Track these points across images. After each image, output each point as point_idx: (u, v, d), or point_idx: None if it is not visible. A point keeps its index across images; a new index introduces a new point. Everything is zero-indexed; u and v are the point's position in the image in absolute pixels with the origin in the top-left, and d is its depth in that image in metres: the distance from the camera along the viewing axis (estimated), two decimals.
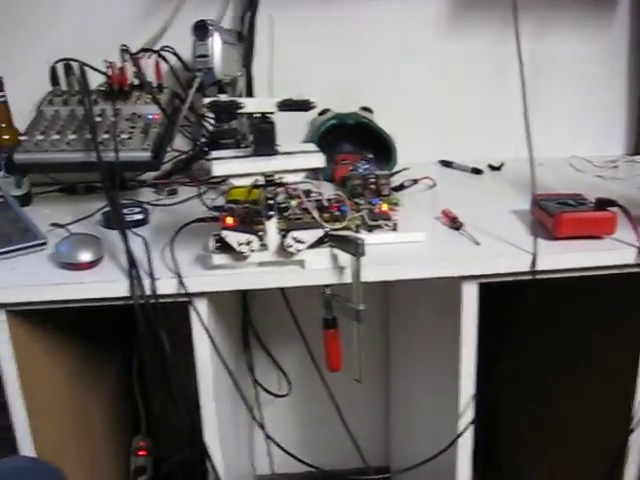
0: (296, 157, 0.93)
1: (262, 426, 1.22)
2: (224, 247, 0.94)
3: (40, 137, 1.29)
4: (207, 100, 0.93)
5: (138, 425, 1.61)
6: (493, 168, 1.56)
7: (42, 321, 1.08)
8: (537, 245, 1.00)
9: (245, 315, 1.64)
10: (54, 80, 1.39)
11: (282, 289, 1.50)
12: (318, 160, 0.93)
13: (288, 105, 0.93)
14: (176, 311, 0.98)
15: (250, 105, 0.93)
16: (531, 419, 1.60)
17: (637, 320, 1.09)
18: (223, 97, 0.94)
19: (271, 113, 0.93)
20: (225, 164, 0.92)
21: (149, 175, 1.47)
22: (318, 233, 0.94)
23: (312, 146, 1.00)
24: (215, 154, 0.97)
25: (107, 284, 0.96)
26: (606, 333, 1.23)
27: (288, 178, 0.93)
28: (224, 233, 0.92)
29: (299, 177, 0.93)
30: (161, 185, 1.42)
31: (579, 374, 1.34)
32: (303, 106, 0.94)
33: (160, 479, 1.61)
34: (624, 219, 1.05)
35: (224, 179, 1.32)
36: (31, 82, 1.41)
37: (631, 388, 1.13)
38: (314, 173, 1.28)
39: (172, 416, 1.05)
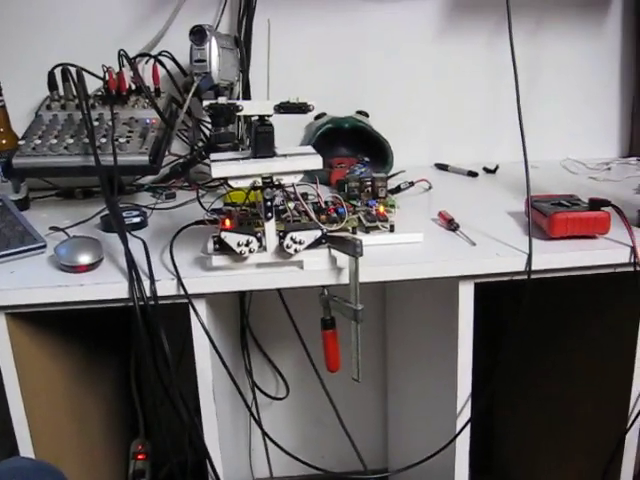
0: (294, 159, 0.94)
1: (261, 427, 1.22)
2: (223, 249, 0.95)
3: (38, 141, 1.30)
4: (206, 102, 0.94)
5: (136, 429, 1.62)
6: (488, 171, 1.57)
7: (41, 324, 1.08)
8: (532, 245, 1.01)
9: (243, 318, 1.65)
10: (52, 85, 1.39)
11: (280, 291, 1.51)
12: (316, 162, 0.94)
13: (286, 108, 0.94)
14: (172, 314, 0.99)
15: (248, 108, 0.95)
16: (527, 420, 1.61)
17: (631, 319, 1.10)
18: (222, 100, 0.95)
19: (269, 116, 0.94)
20: (224, 166, 0.93)
21: (147, 179, 1.48)
22: (316, 233, 0.95)
23: (309, 149, 1.01)
24: (214, 157, 0.98)
25: (107, 286, 0.97)
26: (601, 332, 1.24)
27: (286, 180, 0.94)
28: (223, 234, 0.92)
29: (297, 178, 0.95)
30: (159, 189, 1.43)
31: (574, 374, 1.35)
32: (301, 109, 0.95)
33: None
34: (618, 219, 1.06)
35: (222, 182, 1.33)
36: (29, 87, 1.42)
37: (626, 387, 1.13)
38: (311, 177, 1.29)
39: (170, 419, 1.06)
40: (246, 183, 0.93)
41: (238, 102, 0.94)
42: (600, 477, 1.22)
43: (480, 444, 1.25)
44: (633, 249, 1.02)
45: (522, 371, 1.54)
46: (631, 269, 1.03)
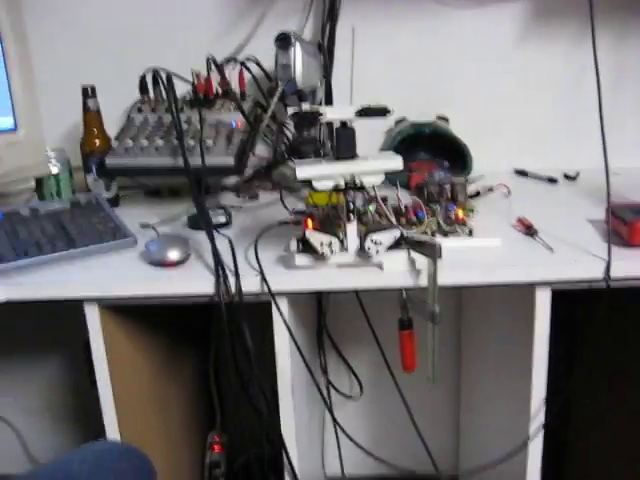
0: (375, 160, 0.97)
1: (338, 423, 1.25)
2: (305, 249, 0.99)
3: (130, 143, 1.35)
4: (291, 110, 0.98)
5: (214, 421, 1.67)
6: (569, 177, 1.56)
7: (130, 316, 1.14)
8: (611, 252, 1.00)
9: (320, 318, 1.68)
10: (143, 89, 1.45)
11: (357, 293, 1.53)
12: (397, 163, 0.97)
13: (366, 112, 0.97)
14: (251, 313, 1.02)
15: (330, 113, 0.97)
16: (605, 436, 1.58)
17: None
18: (305, 106, 0.98)
19: (350, 120, 0.97)
20: (308, 167, 0.96)
21: (231, 180, 1.53)
22: (395, 233, 0.97)
23: (390, 153, 1.03)
24: (297, 162, 1.01)
25: (194, 281, 1.01)
26: None
27: (368, 181, 0.96)
28: (308, 233, 0.95)
29: (379, 180, 0.97)
30: (243, 190, 1.47)
31: None
32: (381, 112, 0.97)
33: (234, 474, 1.67)
34: None
35: (305, 183, 1.36)
36: (121, 91, 1.48)
37: None
38: (391, 181, 1.31)
39: (247, 413, 1.09)
40: (329, 184, 0.96)
41: (320, 108, 0.97)
42: None
43: (553, 456, 1.25)
44: None
45: (601, 385, 1.52)
46: None
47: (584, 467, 1.72)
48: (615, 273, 1.00)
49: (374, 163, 0.97)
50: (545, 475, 1.16)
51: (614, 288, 1.00)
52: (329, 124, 1.42)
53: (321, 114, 0.95)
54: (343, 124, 0.97)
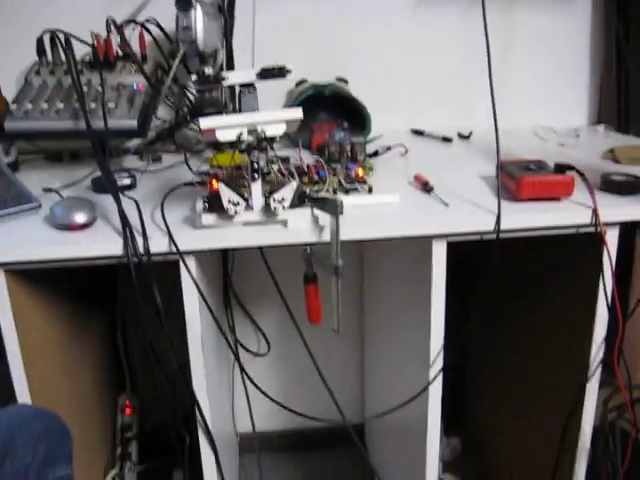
0: (277, 111, 0.99)
1: (250, 379, 1.28)
2: (211, 208, 1.01)
3: (29, 106, 1.33)
4: (194, 76, 0.99)
5: (124, 384, 1.68)
6: (462, 137, 1.63)
7: (37, 281, 1.13)
8: (501, 206, 1.06)
9: (226, 277, 1.70)
10: (40, 51, 1.42)
11: (262, 250, 1.56)
12: (297, 112, 0.99)
13: (266, 74, 0.99)
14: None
15: (232, 77, 0.99)
16: (496, 374, 1.69)
17: (592, 276, 1.16)
18: (208, 70, 0.99)
19: (251, 84, 0.99)
20: (211, 119, 0.97)
21: (132, 143, 1.52)
22: (293, 185, 1.00)
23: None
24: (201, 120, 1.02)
25: (102, 243, 1.01)
26: (564, 289, 1.30)
27: (271, 131, 0.98)
28: (221, 186, 0.97)
29: (281, 129, 0.99)
30: (145, 152, 1.47)
31: (539, 329, 1.43)
32: (280, 73, 1.00)
33: (146, 436, 1.68)
34: (582, 183, 1.12)
35: (209, 145, 1.37)
36: (17, 53, 1.45)
37: (587, 340, 1.20)
38: (293, 141, 1.34)
39: (157, 374, 1.11)
40: (232, 135, 0.97)
41: (223, 73, 0.98)
42: (563, 426, 1.30)
43: (452, 397, 1.32)
44: (594, 211, 1.08)
45: (492, 328, 1.61)
46: (592, 230, 1.10)
47: (480, 401, 1.83)
48: (505, 225, 1.06)
49: (275, 113, 0.99)
50: (444, 413, 1.23)
51: (503, 238, 1.07)
52: (231, 87, 1.43)
53: (224, 78, 0.97)
54: (246, 86, 0.99)
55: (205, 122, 0.97)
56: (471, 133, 1.63)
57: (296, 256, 1.09)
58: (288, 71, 0.99)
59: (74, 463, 0.97)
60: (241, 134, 0.97)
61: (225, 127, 0.97)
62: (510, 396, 1.61)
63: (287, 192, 0.99)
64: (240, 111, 0.99)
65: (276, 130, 0.99)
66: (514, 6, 1.68)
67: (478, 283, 1.51)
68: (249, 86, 0.99)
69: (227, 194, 0.97)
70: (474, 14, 1.60)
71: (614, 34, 1.68)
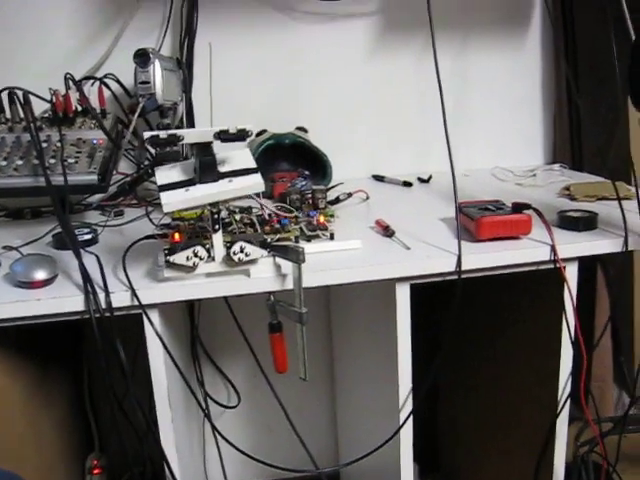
0: (238, 183, 0.99)
1: (219, 432, 1.27)
2: (173, 262, 1.00)
3: None
4: (147, 135, 0.99)
5: (92, 443, 1.64)
6: (422, 181, 1.66)
7: None
8: (461, 247, 1.08)
9: (193, 330, 1.69)
10: None
11: (227, 301, 1.56)
12: (258, 184, 0.99)
13: (225, 136, 1.00)
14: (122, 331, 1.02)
15: (189, 137, 1.00)
16: (468, 416, 1.69)
17: (554, 311, 1.18)
18: (162, 133, 0.98)
19: (210, 143, 1.00)
20: (173, 201, 0.97)
21: (94, 198, 1.52)
22: (259, 238, 1.01)
23: (248, 156, 1.05)
24: (159, 171, 1.02)
25: (63, 300, 1.00)
26: (529, 326, 1.32)
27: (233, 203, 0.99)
28: (171, 258, 0.97)
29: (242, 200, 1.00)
30: (107, 207, 1.47)
31: (507, 367, 1.43)
32: (240, 136, 1.01)
33: None
34: (539, 221, 1.15)
35: None
36: None
37: (554, 376, 1.22)
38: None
39: (125, 430, 1.09)
40: (195, 209, 0.98)
41: (179, 132, 0.98)
42: (536, 462, 1.30)
43: (425, 440, 1.32)
44: (552, 247, 1.10)
45: (461, 367, 1.62)
46: (552, 266, 1.12)
47: (454, 442, 1.82)
48: (466, 265, 1.08)
49: (237, 189, 0.99)
50: (419, 457, 1.23)
51: (465, 278, 1.08)
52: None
53: (179, 138, 0.98)
54: (204, 150, 0.99)
55: (168, 206, 0.96)
56: (430, 177, 1.66)
57: (262, 305, 1.09)
58: (248, 134, 1.00)
59: None
60: (203, 212, 0.98)
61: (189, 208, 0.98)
62: (482, 434, 1.61)
63: (251, 244, 1.00)
64: (200, 179, 0.99)
65: (238, 201, 1.00)
66: (468, 52, 1.73)
67: (444, 322, 1.52)
68: (207, 153, 1.00)
69: (181, 256, 0.97)
70: (427, 60, 1.63)
71: (564, 75, 1.73)
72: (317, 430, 1.94)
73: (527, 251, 1.11)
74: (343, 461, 1.94)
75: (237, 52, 1.63)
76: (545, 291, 1.21)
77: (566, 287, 1.14)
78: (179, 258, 0.97)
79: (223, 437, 1.28)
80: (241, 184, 0.99)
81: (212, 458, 1.84)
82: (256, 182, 1.00)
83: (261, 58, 1.65)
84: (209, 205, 0.98)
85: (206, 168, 0.99)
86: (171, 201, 0.97)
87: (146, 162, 1.49)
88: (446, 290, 1.09)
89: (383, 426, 1.27)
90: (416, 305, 1.12)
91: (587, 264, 1.20)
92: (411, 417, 1.17)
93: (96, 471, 1.59)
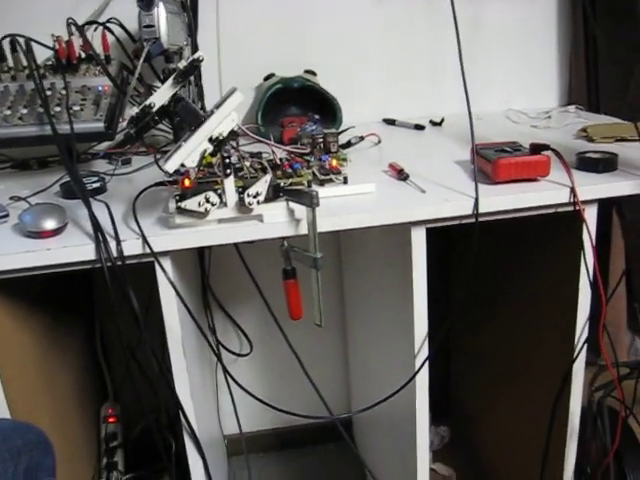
0: (220, 109, 0.96)
1: (234, 380, 1.26)
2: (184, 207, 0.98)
3: None
4: (135, 110, 0.97)
5: (105, 392, 1.65)
6: (435, 124, 1.63)
7: (10, 291, 1.10)
8: (478, 189, 1.06)
9: (204, 278, 1.68)
10: (0, 57, 1.39)
11: (238, 248, 1.54)
12: (236, 97, 0.97)
13: (181, 76, 0.97)
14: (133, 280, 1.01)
15: (158, 99, 0.97)
16: (481, 360, 1.69)
17: (573, 254, 1.16)
18: (134, 110, 0.96)
19: (175, 95, 0.96)
20: (173, 158, 0.95)
21: (101, 146, 1.49)
22: (267, 179, 0.98)
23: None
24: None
25: (74, 249, 0.98)
26: (546, 269, 1.30)
27: (227, 127, 0.96)
28: (183, 204, 0.95)
29: (234, 122, 0.97)
30: (115, 155, 1.45)
31: (524, 311, 1.42)
32: (192, 68, 0.98)
33: (132, 444, 1.66)
34: (558, 163, 1.12)
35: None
36: None
37: (572, 320, 1.20)
38: (265, 136, 1.32)
39: (139, 379, 1.09)
40: (197, 156, 0.95)
41: (147, 101, 0.96)
42: (551, 408, 1.29)
43: (437, 385, 1.31)
44: (572, 189, 1.07)
45: (475, 313, 1.61)
46: (571, 208, 1.09)
47: (466, 387, 1.83)
48: (483, 208, 1.05)
49: (219, 111, 0.96)
50: (431, 402, 1.22)
51: (483, 222, 1.06)
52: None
53: (151, 106, 0.95)
54: (174, 100, 0.96)
55: (170, 165, 0.94)
56: (443, 120, 1.62)
57: (273, 252, 1.07)
58: (199, 59, 0.97)
59: (58, 476, 0.95)
60: (205, 151, 0.95)
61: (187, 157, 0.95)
62: (496, 381, 1.61)
63: (261, 186, 0.98)
64: (189, 126, 0.96)
65: (231, 123, 0.96)
66: None
67: (459, 267, 1.51)
68: (179, 101, 0.97)
69: (193, 202, 0.96)
70: (440, 2, 1.60)
71: (581, 12, 1.68)
72: (329, 377, 1.95)
73: (546, 193, 1.08)
74: (355, 408, 1.95)
75: None
76: (564, 234, 1.19)
77: (585, 229, 1.12)
78: (191, 204, 0.96)
79: (237, 383, 1.28)
80: (223, 107, 0.96)
81: (225, 406, 1.85)
82: (237, 97, 0.97)
83: (268, 1, 1.60)
84: (213, 145, 0.96)
85: (186, 114, 0.96)
86: (172, 163, 0.95)
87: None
88: (459, 234, 1.07)
89: (398, 372, 1.27)
90: (432, 248, 1.10)
91: (604, 209, 1.17)
92: (427, 362, 1.16)
93: (111, 420, 1.62)
